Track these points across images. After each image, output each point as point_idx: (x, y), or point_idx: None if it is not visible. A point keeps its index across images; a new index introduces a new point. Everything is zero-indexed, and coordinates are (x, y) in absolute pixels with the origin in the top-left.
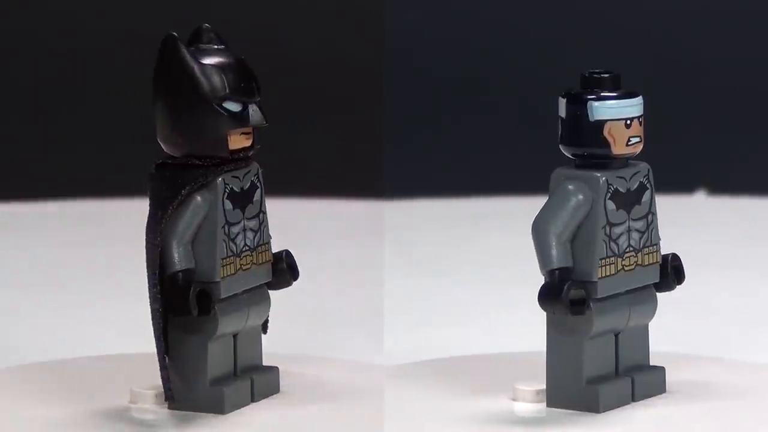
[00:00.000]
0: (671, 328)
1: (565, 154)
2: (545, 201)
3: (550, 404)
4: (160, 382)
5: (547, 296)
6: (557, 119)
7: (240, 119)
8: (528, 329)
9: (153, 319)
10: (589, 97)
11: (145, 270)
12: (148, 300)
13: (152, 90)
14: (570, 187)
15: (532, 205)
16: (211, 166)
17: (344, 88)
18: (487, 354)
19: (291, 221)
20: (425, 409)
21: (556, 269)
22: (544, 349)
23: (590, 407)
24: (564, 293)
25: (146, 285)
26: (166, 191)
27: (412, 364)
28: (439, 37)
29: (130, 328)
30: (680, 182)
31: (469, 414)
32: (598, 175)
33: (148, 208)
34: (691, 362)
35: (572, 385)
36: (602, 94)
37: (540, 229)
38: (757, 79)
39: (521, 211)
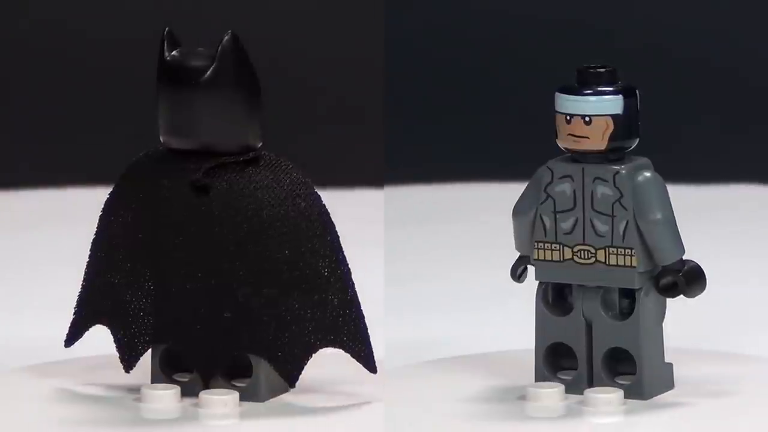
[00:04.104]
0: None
1: (594, 151)
2: (640, 196)
3: (647, 396)
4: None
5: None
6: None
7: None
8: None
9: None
10: (634, 87)
11: (317, 261)
12: (343, 290)
13: (217, 89)
14: (658, 176)
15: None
16: (270, 155)
17: (344, 79)
18: (492, 352)
19: None
20: (426, 408)
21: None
22: None
23: (670, 384)
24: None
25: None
26: (293, 182)
27: (413, 362)
28: (441, 24)
29: None
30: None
31: (471, 414)
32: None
33: (260, 207)
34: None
35: (660, 369)
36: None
37: (664, 221)
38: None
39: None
